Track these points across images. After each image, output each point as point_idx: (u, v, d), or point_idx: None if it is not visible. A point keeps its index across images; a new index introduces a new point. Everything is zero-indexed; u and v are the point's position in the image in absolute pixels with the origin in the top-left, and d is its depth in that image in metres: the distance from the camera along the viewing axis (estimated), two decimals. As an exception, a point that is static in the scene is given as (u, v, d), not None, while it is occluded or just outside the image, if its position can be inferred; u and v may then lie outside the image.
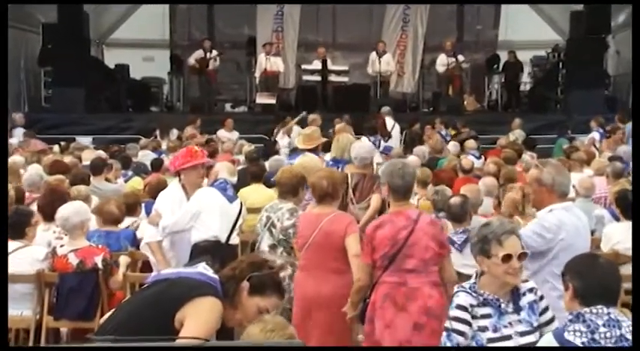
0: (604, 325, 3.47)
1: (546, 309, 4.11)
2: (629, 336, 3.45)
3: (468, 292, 4.01)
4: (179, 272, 3.66)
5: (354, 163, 7.30)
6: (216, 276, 3.55)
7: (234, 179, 6.79)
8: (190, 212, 6.43)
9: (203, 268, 3.57)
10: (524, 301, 4.05)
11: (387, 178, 5.20)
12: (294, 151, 10.49)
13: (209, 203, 6.48)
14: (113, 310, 3.80)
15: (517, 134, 15.82)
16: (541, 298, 4.10)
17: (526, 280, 4.14)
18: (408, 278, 4.93)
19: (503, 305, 3.99)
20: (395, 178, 5.12)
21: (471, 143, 14.08)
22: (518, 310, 4.02)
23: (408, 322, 4.88)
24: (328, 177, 5.64)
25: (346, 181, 6.31)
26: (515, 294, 4.05)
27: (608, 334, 3.46)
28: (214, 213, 6.48)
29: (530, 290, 4.09)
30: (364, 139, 12.33)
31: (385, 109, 16.10)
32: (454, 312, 3.97)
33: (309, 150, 9.03)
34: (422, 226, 4.97)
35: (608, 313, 3.50)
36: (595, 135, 14.80)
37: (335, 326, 5.30)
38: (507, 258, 3.94)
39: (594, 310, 3.51)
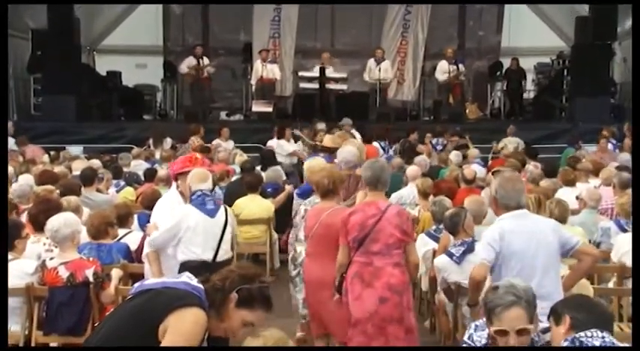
0: (600, 345, 3.63)
1: None
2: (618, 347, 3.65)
3: None
4: (163, 282, 3.66)
5: (341, 166, 7.69)
6: (200, 285, 3.56)
7: (208, 185, 6.27)
8: (171, 232, 6.22)
9: (187, 278, 3.60)
10: (538, 344, 3.89)
11: (362, 171, 6.11)
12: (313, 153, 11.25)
13: (187, 225, 6.18)
14: (98, 323, 3.74)
15: (512, 141, 15.44)
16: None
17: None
18: (374, 259, 5.73)
19: None
20: (366, 170, 5.91)
21: (474, 152, 14.05)
22: None
23: (373, 296, 5.68)
24: (329, 176, 6.42)
25: (344, 179, 6.85)
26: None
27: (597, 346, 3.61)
28: (194, 234, 6.22)
29: (544, 331, 3.97)
30: (375, 143, 13.48)
31: (346, 120, 15.61)
32: None
33: (328, 151, 9.54)
34: (388, 216, 5.73)
35: (603, 337, 3.65)
36: (609, 146, 14.41)
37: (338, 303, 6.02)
38: (502, 333, 3.71)
39: (589, 334, 3.66)
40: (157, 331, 3.36)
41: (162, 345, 3.33)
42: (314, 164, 7.98)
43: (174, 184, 6.87)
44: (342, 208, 6.30)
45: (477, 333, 3.99)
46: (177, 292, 3.48)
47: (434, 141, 15.82)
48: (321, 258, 6.22)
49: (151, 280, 3.75)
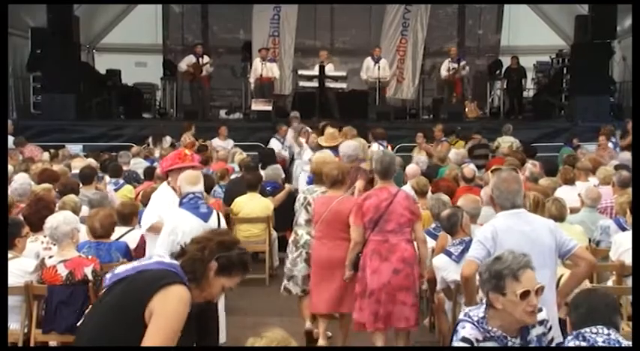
0: (603, 342, 3.63)
1: (552, 340, 4.07)
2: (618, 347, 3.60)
3: (474, 325, 3.90)
4: (134, 267, 3.56)
5: (343, 160, 8.35)
6: (174, 261, 3.55)
7: (200, 188, 6.26)
8: (171, 237, 6.09)
9: (158, 257, 3.62)
10: (532, 334, 3.94)
11: (373, 164, 6.99)
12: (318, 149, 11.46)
13: (183, 230, 6.01)
14: (79, 326, 3.64)
15: (506, 140, 15.44)
16: (550, 329, 4.04)
17: (540, 309, 3.97)
18: (389, 236, 6.54)
19: (510, 343, 3.87)
20: (376, 163, 6.78)
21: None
22: (525, 344, 3.91)
23: (389, 268, 6.49)
24: (338, 167, 7.22)
25: (349, 171, 7.59)
26: (524, 327, 3.92)
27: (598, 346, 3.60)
28: (190, 238, 6.02)
29: (541, 323, 3.99)
30: (375, 144, 13.59)
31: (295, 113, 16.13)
32: (458, 343, 3.89)
33: (330, 147, 9.92)
34: (399, 199, 6.59)
35: (608, 334, 3.66)
36: (609, 145, 14.34)
37: (342, 280, 6.85)
38: (525, 294, 3.77)
39: (594, 330, 3.67)
40: (144, 318, 3.34)
41: (149, 329, 3.30)
42: (323, 157, 8.41)
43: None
44: (349, 197, 7.14)
45: (473, 311, 4.00)
46: (153, 274, 3.46)
47: (448, 139, 15.57)
48: (329, 241, 6.97)
49: (122, 268, 3.62)
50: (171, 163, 6.62)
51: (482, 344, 3.85)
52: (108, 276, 3.63)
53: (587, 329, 3.68)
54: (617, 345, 3.62)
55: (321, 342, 7.12)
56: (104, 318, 3.46)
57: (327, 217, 6.95)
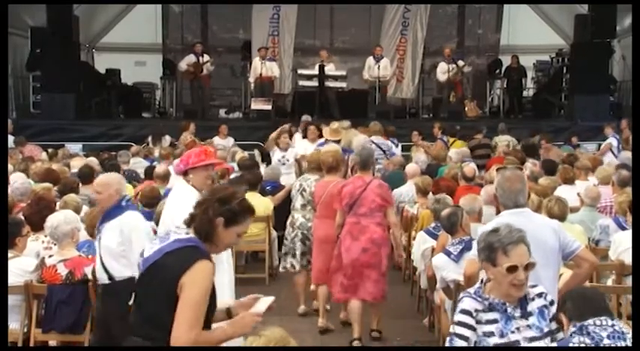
0: (608, 337, 3.59)
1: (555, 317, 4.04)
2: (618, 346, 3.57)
3: (472, 298, 3.98)
4: (160, 249, 3.76)
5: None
6: (190, 235, 3.76)
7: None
8: None
9: (175, 234, 3.80)
10: (532, 306, 3.97)
11: (353, 156, 8.43)
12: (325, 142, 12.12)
13: None
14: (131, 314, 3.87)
15: (502, 140, 15.44)
16: (551, 303, 4.03)
17: (534, 285, 4.04)
18: (361, 219, 7.44)
19: (509, 310, 3.92)
20: (356, 156, 8.09)
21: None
22: (526, 315, 3.94)
23: (358, 247, 7.39)
24: (333, 156, 8.11)
25: (344, 160, 8.55)
26: (523, 299, 3.96)
27: (613, 346, 3.55)
28: None
29: (540, 295, 4.01)
30: (387, 141, 13.55)
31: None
32: (458, 316, 3.97)
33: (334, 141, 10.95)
34: (372, 187, 7.49)
35: (613, 325, 3.63)
36: (612, 141, 14.31)
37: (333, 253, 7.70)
38: (513, 269, 3.84)
39: (597, 322, 3.65)
40: (177, 293, 3.61)
41: (181, 302, 3.58)
42: (326, 148, 9.23)
43: (172, 180, 6.73)
44: (343, 181, 7.85)
45: (470, 289, 4.11)
46: (177, 257, 3.69)
47: (444, 138, 15.60)
48: (326, 219, 7.78)
49: (148, 251, 3.82)
50: (198, 160, 6.24)
51: (482, 315, 3.90)
52: (140, 261, 3.88)
53: (591, 321, 3.68)
54: (622, 338, 3.63)
55: (321, 321, 7.83)
56: (145, 307, 3.75)
57: (324, 200, 7.82)
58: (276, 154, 12.50)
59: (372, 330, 7.56)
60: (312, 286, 8.04)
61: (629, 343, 3.60)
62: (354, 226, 7.42)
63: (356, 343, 7.29)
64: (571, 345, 3.59)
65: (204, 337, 3.62)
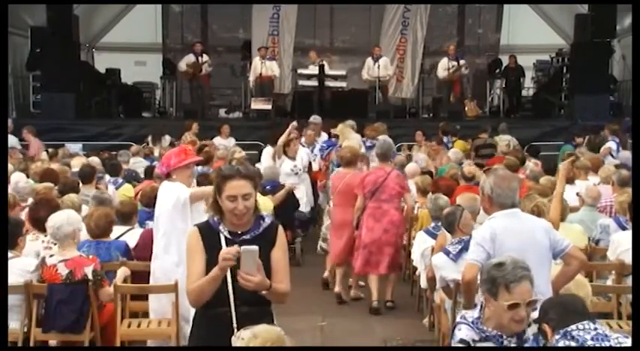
0: (592, 339, 3.66)
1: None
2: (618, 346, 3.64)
3: (470, 327, 4.02)
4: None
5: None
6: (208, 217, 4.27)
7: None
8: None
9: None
10: (528, 333, 4.00)
11: (375, 149, 9.48)
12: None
13: None
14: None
15: (503, 139, 15.39)
16: None
17: (535, 309, 4.04)
18: (382, 204, 8.64)
19: (505, 342, 3.96)
20: (377, 149, 9.25)
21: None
22: (521, 343, 3.98)
23: (380, 228, 8.63)
24: (350, 151, 9.41)
25: (360, 154, 9.86)
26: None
27: (597, 346, 3.63)
28: None
29: (536, 321, 4.02)
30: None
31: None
32: (456, 344, 4.03)
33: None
34: (392, 176, 8.71)
35: (595, 329, 3.69)
36: (611, 144, 14.24)
37: (352, 236, 8.93)
38: (514, 306, 3.88)
39: (580, 326, 3.71)
40: None
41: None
42: (345, 144, 10.43)
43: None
44: (358, 173, 9.11)
45: (468, 314, 4.12)
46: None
47: (445, 139, 15.53)
48: (342, 207, 8.98)
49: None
50: (178, 161, 6.46)
51: (479, 344, 3.94)
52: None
53: (574, 326, 3.73)
54: (605, 339, 3.68)
55: (337, 288, 9.02)
56: None
57: (341, 189, 9.01)
58: (285, 164, 11.55)
59: (387, 301, 8.70)
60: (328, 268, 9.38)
61: (613, 343, 3.64)
62: (376, 210, 8.62)
63: (375, 304, 8.53)
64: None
65: (196, 284, 3.93)
